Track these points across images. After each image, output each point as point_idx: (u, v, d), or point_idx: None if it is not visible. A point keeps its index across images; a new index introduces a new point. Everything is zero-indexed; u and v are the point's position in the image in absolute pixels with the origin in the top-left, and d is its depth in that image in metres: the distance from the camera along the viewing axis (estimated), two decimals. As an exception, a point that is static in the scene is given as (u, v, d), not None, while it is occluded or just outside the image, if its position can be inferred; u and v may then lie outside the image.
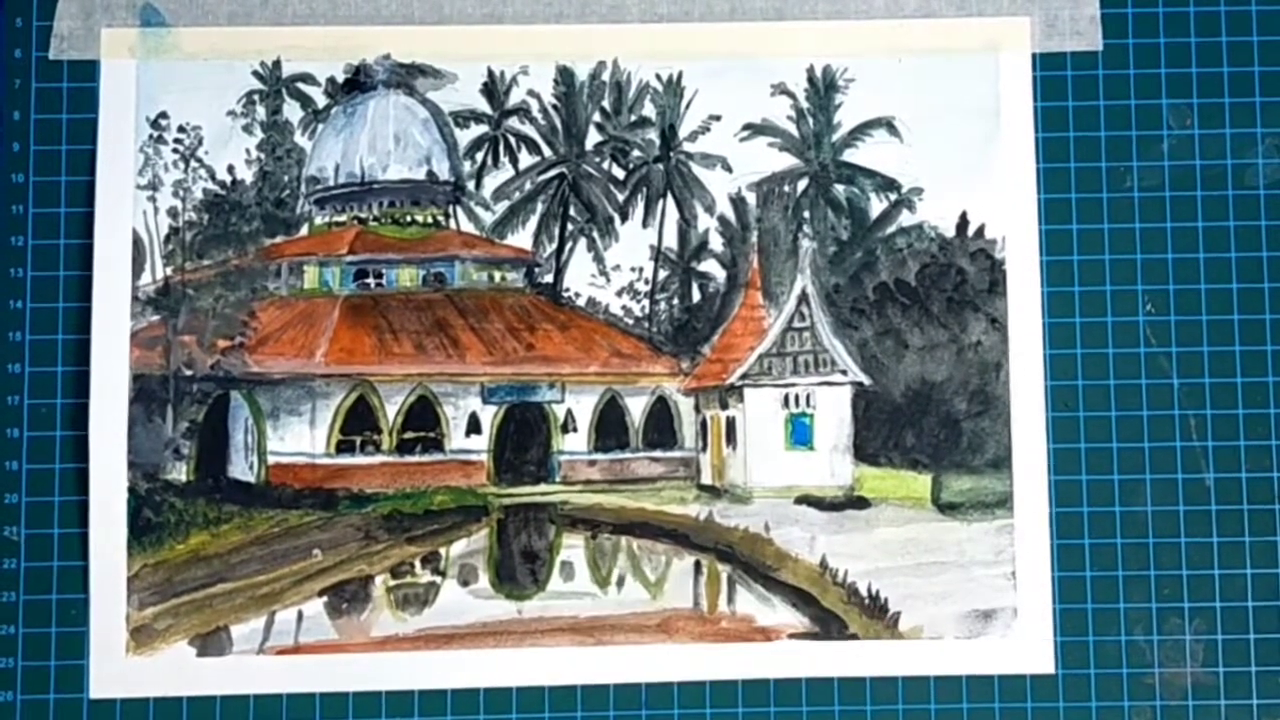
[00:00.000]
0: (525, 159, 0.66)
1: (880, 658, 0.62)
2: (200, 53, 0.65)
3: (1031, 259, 0.65)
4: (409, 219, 0.65)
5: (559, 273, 0.65)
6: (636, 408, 0.65)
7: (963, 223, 0.65)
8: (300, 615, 0.63)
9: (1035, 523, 0.63)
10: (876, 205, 0.65)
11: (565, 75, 0.66)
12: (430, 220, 0.66)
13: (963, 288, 0.65)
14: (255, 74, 0.66)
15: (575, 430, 0.65)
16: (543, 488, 0.64)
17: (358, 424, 0.64)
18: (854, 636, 0.63)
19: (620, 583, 0.64)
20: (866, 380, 0.65)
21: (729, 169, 0.66)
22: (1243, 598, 0.63)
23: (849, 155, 0.66)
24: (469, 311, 0.65)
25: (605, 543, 0.64)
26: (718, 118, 0.66)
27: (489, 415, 0.64)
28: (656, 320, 0.65)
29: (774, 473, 0.64)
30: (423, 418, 0.64)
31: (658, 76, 0.66)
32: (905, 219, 0.65)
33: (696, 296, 0.65)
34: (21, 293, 0.64)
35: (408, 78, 0.66)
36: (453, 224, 0.66)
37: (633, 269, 0.65)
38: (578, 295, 0.65)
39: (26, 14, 0.65)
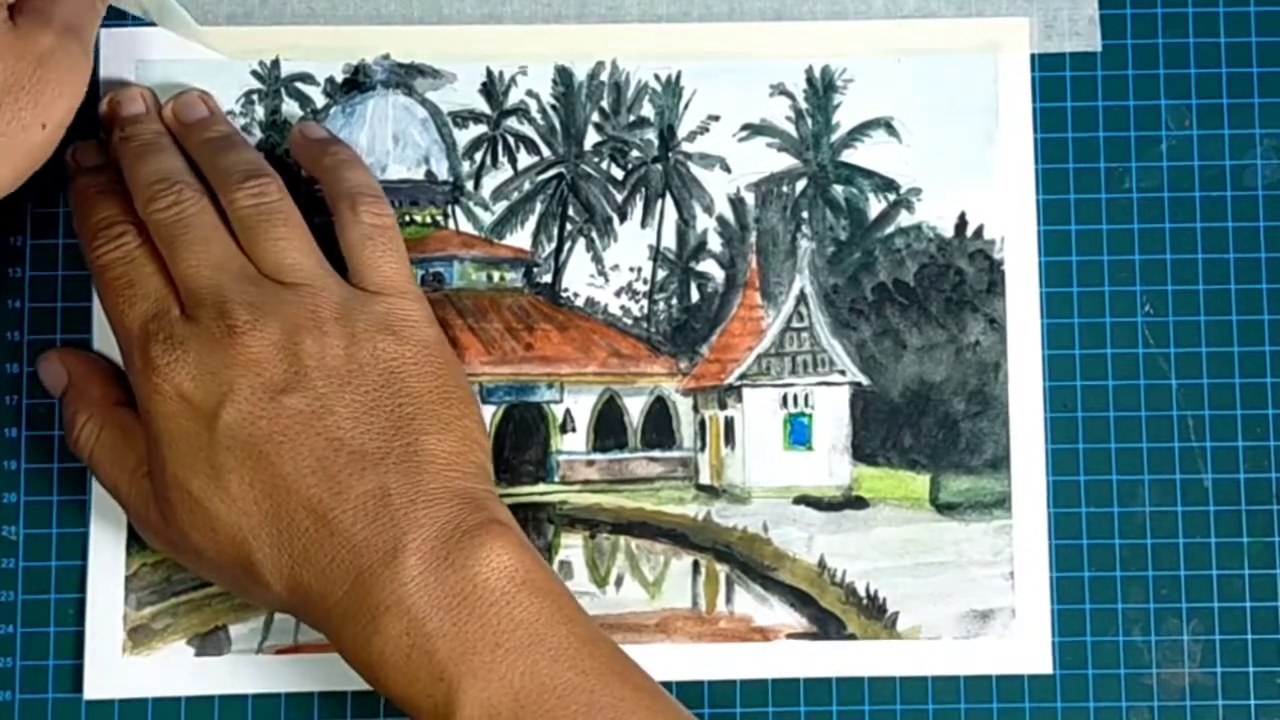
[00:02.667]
0: (524, 159, 0.66)
1: (878, 658, 0.62)
2: (199, 53, 0.65)
3: (1030, 259, 0.65)
4: (408, 219, 0.65)
5: (557, 273, 0.65)
6: (635, 408, 0.65)
7: (961, 223, 0.65)
8: (298, 615, 0.63)
9: (1033, 523, 0.63)
10: (875, 205, 0.66)
11: (564, 75, 0.66)
12: (429, 220, 0.66)
13: (961, 288, 0.65)
14: (254, 74, 0.66)
15: (574, 430, 0.65)
16: (541, 487, 0.64)
17: (356, 424, 0.63)
18: (852, 636, 0.63)
19: (618, 582, 0.64)
20: (865, 380, 0.65)
21: (728, 169, 0.66)
22: (1240, 598, 0.63)
23: (847, 155, 0.66)
24: (467, 311, 0.65)
25: (604, 542, 0.64)
26: (716, 118, 0.66)
27: (487, 415, 0.64)
28: (655, 320, 0.65)
29: (772, 473, 0.64)
30: (421, 417, 0.64)
31: (656, 77, 0.66)
32: (904, 219, 0.65)
33: (695, 297, 0.65)
34: (20, 293, 0.64)
35: (406, 78, 0.66)
36: (451, 224, 0.66)
37: (631, 269, 0.65)
38: (576, 295, 0.65)
39: (25, 13, 0.65)
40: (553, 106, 0.66)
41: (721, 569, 0.64)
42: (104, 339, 0.63)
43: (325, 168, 0.62)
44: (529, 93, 0.66)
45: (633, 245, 0.65)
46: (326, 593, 0.54)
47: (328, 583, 0.54)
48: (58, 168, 0.63)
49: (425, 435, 0.56)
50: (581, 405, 0.65)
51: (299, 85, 0.66)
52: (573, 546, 0.64)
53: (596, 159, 0.66)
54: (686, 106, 0.66)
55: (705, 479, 0.64)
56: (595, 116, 0.66)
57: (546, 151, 0.66)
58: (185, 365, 0.55)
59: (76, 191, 0.62)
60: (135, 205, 0.59)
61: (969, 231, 0.65)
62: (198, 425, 0.55)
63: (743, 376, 0.65)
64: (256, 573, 0.55)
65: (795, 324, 0.65)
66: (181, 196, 0.58)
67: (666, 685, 0.62)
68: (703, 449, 0.65)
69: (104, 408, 0.60)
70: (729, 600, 0.64)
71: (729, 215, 0.65)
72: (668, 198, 0.65)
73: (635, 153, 0.66)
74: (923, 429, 0.64)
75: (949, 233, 0.65)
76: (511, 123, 0.66)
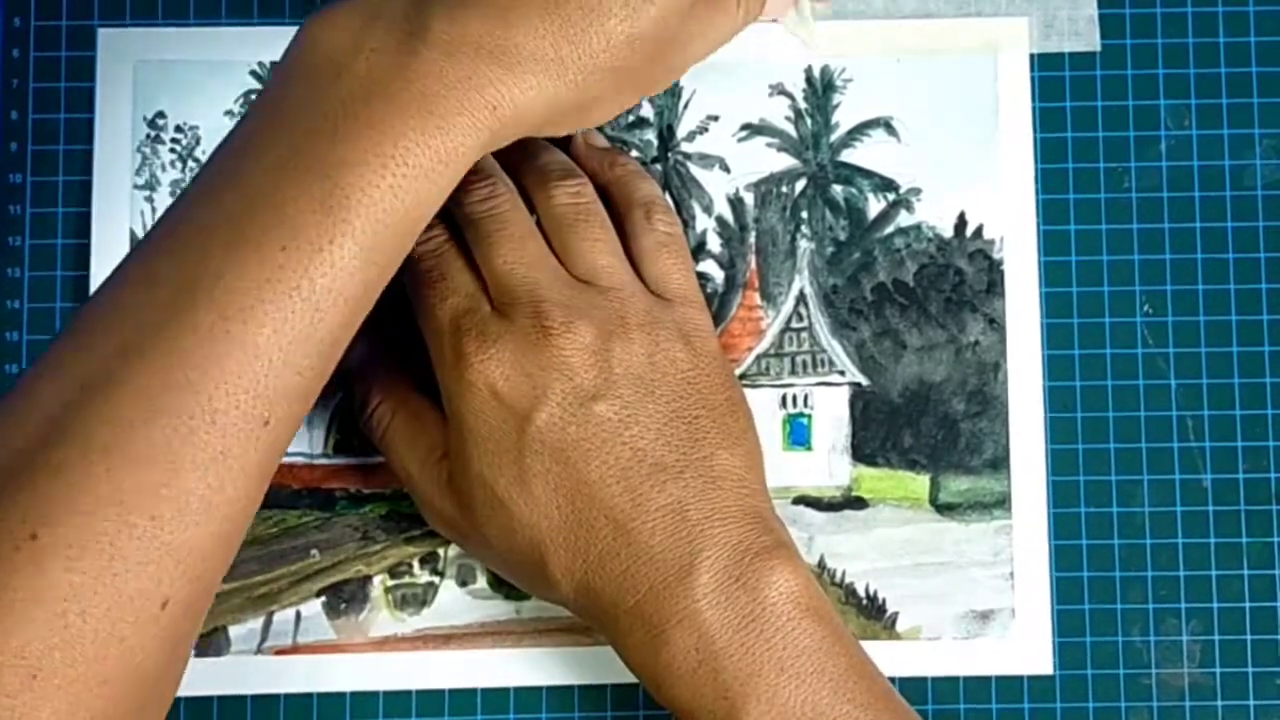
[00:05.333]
0: (523, 159, 0.66)
1: (878, 658, 0.62)
2: (199, 53, 0.65)
3: (1029, 259, 0.65)
4: (407, 219, 0.65)
5: (557, 273, 0.65)
6: (634, 408, 0.65)
7: (961, 223, 0.65)
8: (298, 615, 0.63)
9: (1033, 523, 0.63)
10: (875, 205, 0.65)
11: (563, 75, 0.66)
12: (428, 220, 0.65)
13: (961, 288, 0.65)
14: (253, 74, 0.65)
15: (573, 430, 0.64)
16: (541, 488, 0.64)
17: (355, 423, 0.63)
18: (852, 637, 0.63)
19: (618, 583, 0.64)
20: (864, 381, 0.65)
21: (727, 169, 0.66)
22: (1240, 599, 0.63)
23: (847, 155, 0.66)
24: (467, 312, 0.65)
25: (603, 543, 0.64)
26: (716, 118, 0.66)
27: (487, 415, 0.64)
28: (654, 320, 0.65)
29: (772, 473, 0.63)
30: (421, 418, 0.64)
31: (656, 76, 0.66)
32: (903, 219, 0.65)
33: (695, 297, 0.65)
34: (19, 292, 0.64)
35: (405, 77, 0.66)
36: (451, 224, 0.65)
37: (631, 269, 0.65)
38: (576, 295, 0.65)
39: (25, 14, 0.65)
40: (552, 106, 0.66)
41: (721, 569, 0.64)
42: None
43: (616, 177, 0.62)
44: (528, 92, 0.66)
45: (632, 245, 0.65)
46: (618, 600, 0.55)
47: (620, 591, 0.55)
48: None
49: (719, 450, 0.56)
50: (581, 405, 0.65)
51: (298, 85, 0.65)
52: (573, 547, 0.64)
53: (596, 159, 0.66)
54: (686, 106, 0.66)
55: (705, 479, 0.64)
56: (594, 116, 0.66)
57: (546, 151, 0.66)
58: (499, 363, 0.55)
59: None
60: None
61: (968, 231, 0.65)
62: (508, 425, 0.55)
63: (742, 377, 0.65)
64: (547, 572, 0.56)
65: (795, 324, 0.65)
66: (496, 190, 0.58)
67: (666, 686, 0.62)
68: (702, 449, 0.64)
69: (398, 391, 0.61)
70: (729, 601, 0.63)
71: (728, 215, 0.65)
72: (667, 198, 0.65)
73: (634, 153, 0.66)
74: (922, 429, 0.64)
75: (948, 232, 0.65)
76: (511, 122, 0.66)
